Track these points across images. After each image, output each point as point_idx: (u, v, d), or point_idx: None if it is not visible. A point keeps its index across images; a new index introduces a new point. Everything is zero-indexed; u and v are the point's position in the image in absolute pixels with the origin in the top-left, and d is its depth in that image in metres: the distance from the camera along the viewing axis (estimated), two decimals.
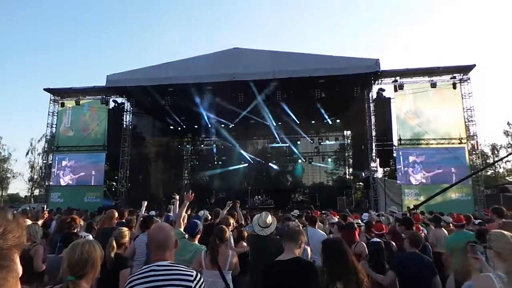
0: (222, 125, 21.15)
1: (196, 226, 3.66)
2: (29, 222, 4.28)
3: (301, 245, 2.67)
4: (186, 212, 4.18)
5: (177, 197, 5.09)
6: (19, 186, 63.18)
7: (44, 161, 19.93)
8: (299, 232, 2.84)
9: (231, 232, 4.41)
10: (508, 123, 31.37)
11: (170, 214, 4.41)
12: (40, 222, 4.47)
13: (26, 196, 37.51)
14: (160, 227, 2.06)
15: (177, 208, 4.53)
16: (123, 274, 3.00)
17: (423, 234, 5.52)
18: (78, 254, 1.78)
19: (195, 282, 1.79)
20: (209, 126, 20.86)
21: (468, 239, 4.40)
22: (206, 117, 19.69)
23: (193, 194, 4.01)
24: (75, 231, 4.33)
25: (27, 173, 36.40)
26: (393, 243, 4.58)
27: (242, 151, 24.26)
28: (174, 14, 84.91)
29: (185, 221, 4.11)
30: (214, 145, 25.66)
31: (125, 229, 3.58)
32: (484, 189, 16.03)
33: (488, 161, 29.44)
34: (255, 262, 3.56)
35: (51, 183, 18.81)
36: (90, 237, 4.83)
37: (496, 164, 29.86)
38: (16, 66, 62.72)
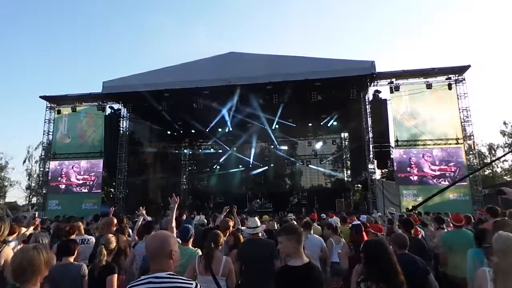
0: (220, 129, 21.15)
1: (188, 231, 3.64)
2: (23, 229, 4.25)
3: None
4: (181, 216, 4.15)
5: (142, 208, 5.10)
6: (17, 195, 63.00)
7: (41, 169, 19.84)
8: (302, 231, 2.64)
9: (224, 238, 4.36)
10: (505, 123, 31.45)
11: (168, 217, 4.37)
12: (31, 229, 4.43)
13: (24, 204, 37.34)
14: (154, 236, 1.95)
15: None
16: (109, 280, 2.99)
17: (420, 235, 5.52)
18: (19, 260, 1.84)
19: None
20: (207, 130, 20.87)
21: (467, 238, 4.43)
22: (203, 122, 19.71)
23: (179, 196, 3.83)
24: (73, 237, 4.31)
25: (25, 181, 36.31)
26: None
27: (240, 155, 24.26)
28: (170, 19, 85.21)
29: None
30: (212, 150, 25.64)
31: (110, 235, 3.56)
32: (482, 189, 16.02)
33: (485, 160, 29.50)
34: (247, 270, 3.47)
35: (50, 190, 18.70)
36: (93, 239, 4.83)
37: (493, 163, 29.92)
38: (12, 74, 62.50)
